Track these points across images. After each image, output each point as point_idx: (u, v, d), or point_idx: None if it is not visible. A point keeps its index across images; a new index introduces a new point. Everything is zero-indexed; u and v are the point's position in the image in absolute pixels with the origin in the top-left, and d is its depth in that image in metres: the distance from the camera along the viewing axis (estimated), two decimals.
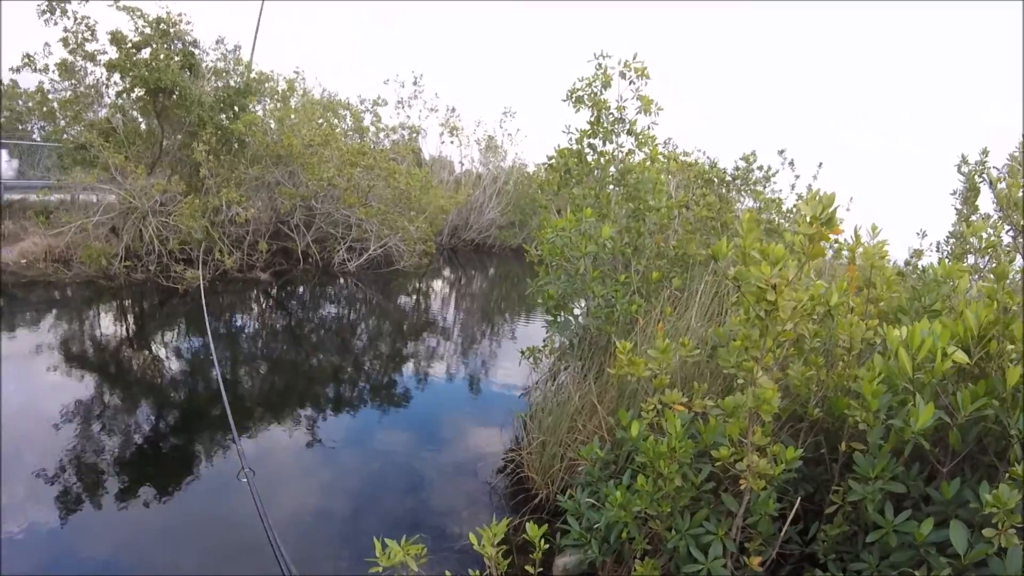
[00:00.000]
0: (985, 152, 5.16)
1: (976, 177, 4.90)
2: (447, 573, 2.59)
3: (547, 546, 2.97)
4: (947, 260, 4.52)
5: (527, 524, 2.95)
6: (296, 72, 18.93)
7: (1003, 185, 3.25)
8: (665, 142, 11.07)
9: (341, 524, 4.50)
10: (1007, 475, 2.28)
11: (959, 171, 5.11)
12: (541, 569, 3.05)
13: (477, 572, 2.73)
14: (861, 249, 3.27)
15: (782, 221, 6.50)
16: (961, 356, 2.54)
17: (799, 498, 2.88)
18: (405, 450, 5.88)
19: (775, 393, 2.49)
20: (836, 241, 2.63)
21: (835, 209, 2.29)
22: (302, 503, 4.77)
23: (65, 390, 6.35)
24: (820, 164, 10.67)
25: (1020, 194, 2.84)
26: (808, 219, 2.29)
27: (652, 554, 3.20)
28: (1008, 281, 2.88)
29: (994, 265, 3.19)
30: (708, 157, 9.55)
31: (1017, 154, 3.92)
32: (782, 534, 2.85)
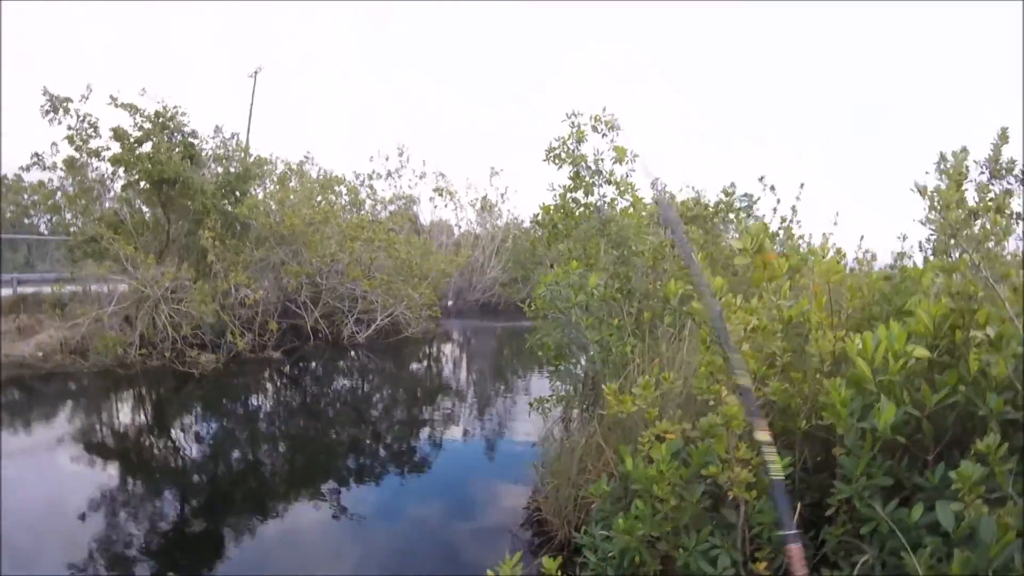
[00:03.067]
0: (964, 151, 5.33)
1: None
2: None
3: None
4: (931, 258, 4.74)
5: (544, 559, 3.15)
6: (306, 156, 19.56)
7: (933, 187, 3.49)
8: (653, 183, 11.38)
9: None
10: (972, 452, 2.46)
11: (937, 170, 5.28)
12: None
13: None
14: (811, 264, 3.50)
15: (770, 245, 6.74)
16: (921, 351, 2.73)
17: (799, 504, 3.06)
18: (428, 513, 6.05)
19: (740, 408, 2.72)
20: (784, 260, 2.85)
21: (763, 238, 2.55)
22: (334, 568, 4.94)
23: (88, 480, 6.49)
24: (802, 185, 10.93)
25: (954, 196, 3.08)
26: (740, 250, 2.56)
27: (664, 574, 3.38)
28: (963, 273, 3.10)
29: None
30: (694, 190, 9.85)
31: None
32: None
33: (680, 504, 3.19)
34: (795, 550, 2.00)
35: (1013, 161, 4.63)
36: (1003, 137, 4.42)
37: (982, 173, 4.71)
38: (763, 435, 2.11)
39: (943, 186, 3.77)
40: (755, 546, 3.13)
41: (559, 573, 3.06)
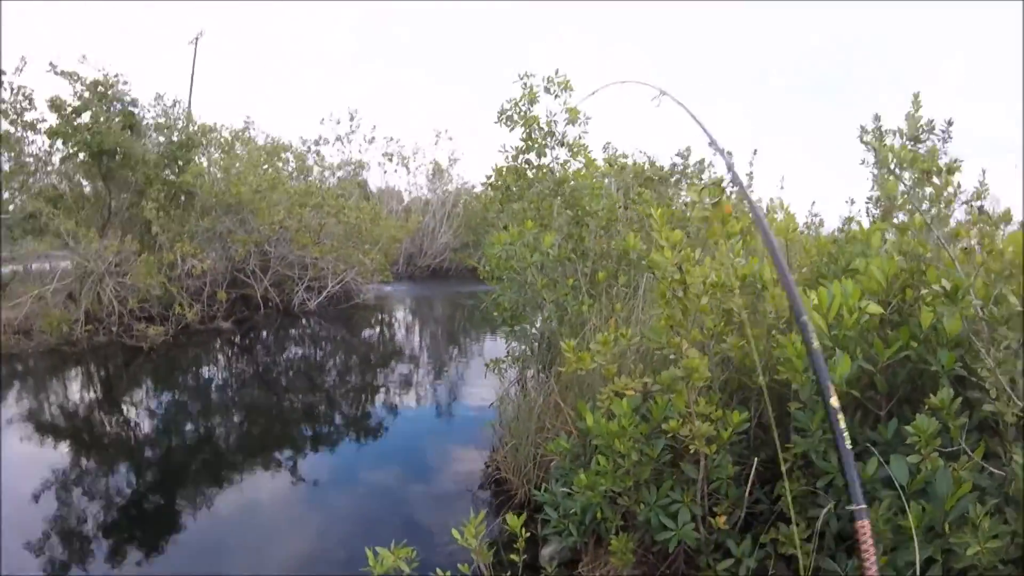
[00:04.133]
0: (877, 118, 5.50)
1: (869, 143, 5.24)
2: (437, 570, 2.79)
3: (528, 535, 3.21)
4: (877, 221, 4.85)
5: (507, 517, 3.19)
6: (246, 122, 19.03)
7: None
8: (605, 146, 11.46)
9: (334, 549, 4.68)
10: (926, 407, 2.53)
11: (861, 140, 5.41)
12: (525, 557, 3.29)
13: (466, 566, 2.96)
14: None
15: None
16: (874, 307, 2.80)
17: (755, 460, 3.14)
18: (387, 476, 6.05)
19: (702, 361, 2.76)
20: (736, 219, 2.88)
21: (719, 193, 2.58)
22: (294, 539, 4.92)
23: (39, 461, 6.33)
24: (755, 151, 11.11)
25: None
26: (698, 204, 2.58)
27: (626, 529, 3.45)
28: (914, 232, 3.19)
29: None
30: (647, 156, 9.94)
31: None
32: (745, 495, 3.12)
33: (641, 459, 3.24)
34: (864, 525, 2.01)
35: (932, 122, 4.79)
36: (916, 103, 4.54)
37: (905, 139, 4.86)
38: (835, 401, 2.12)
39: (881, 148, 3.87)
40: (714, 500, 3.20)
41: (522, 531, 3.10)
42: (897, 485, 2.45)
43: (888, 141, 4.98)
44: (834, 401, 2.16)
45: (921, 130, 4.86)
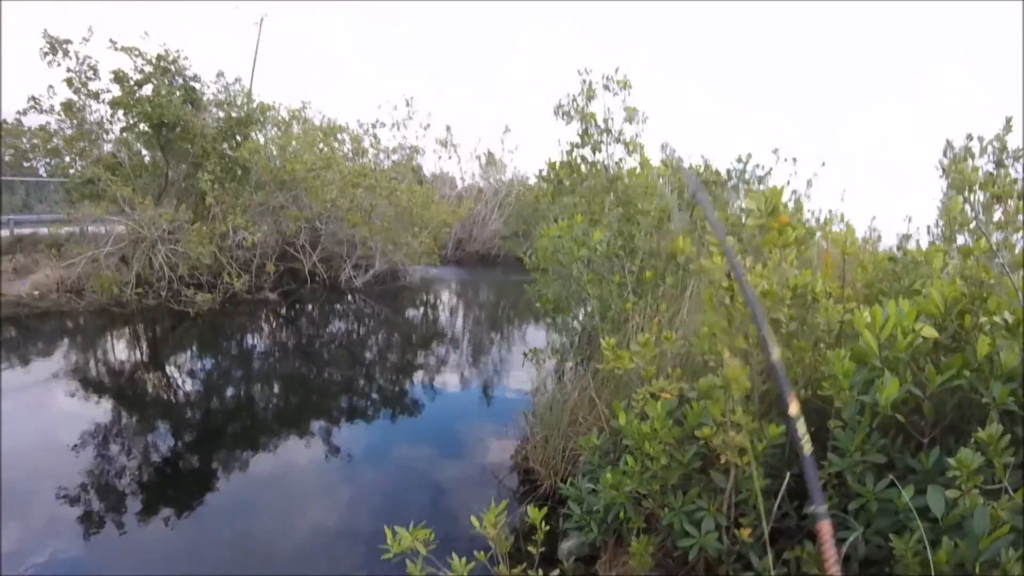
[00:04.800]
0: (970, 137, 5.30)
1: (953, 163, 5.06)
2: (453, 555, 2.77)
3: (549, 528, 3.18)
4: (937, 242, 4.70)
5: (528, 508, 3.16)
6: (303, 104, 19.23)
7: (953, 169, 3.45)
8: (663, 147, 11.30)
9: (358, 523, 4.72)
10: (972, 439, 2.42)
11: (944, 155, 5.23)
12: (543, 550, 3.26)
13: (483, 553, 2.94)
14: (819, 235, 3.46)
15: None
16: (929, 331, 2.68)
17: (788, 474, 3.05)
18: (418, 456, 6.10)
19: (743, 372, 2.68)
20: (793, 228, 2.79)
21: (778, 201, 2.49)
22: (322, 509, 4.99)
23: (83, 416, 6.52)
24: (823, 163, 10.84)
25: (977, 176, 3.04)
26: (755, 211, 2.50)
27: (648, 532, 3.39)
28: (977, 257, 3.06)
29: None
30: (704, 159, 9.77)
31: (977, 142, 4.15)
32: (774, 509, 3.03)
33: (670, 463, 3.18)
34: (824, 527, 1.96)
35: (1021, 150, 4.58)
36: (1007, 127, 4.36)
37: (989, 161, 4.67)
38: (794, 409, 2.06)
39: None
40: (740, 511, 3.12)
41: (542, 524, 3.07)
42: (932, 517, 2.36)
43: (971, 162, 4.81)
44: (794, 409, 2.09)
45: (1007, 155, 4.68)
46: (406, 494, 5.24)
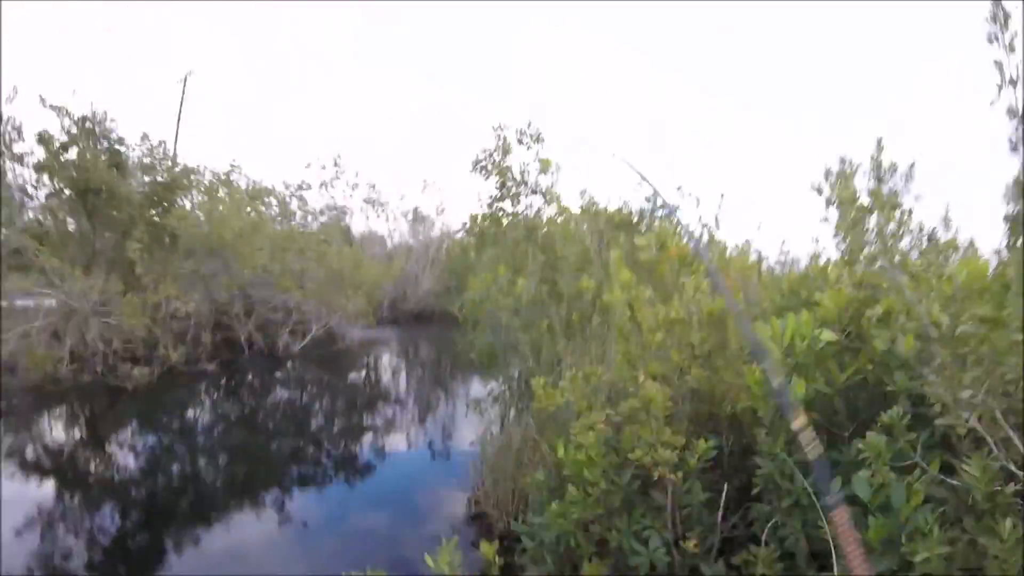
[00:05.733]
0: (844, 160, 5.68)
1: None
2: None
3: (506, 563, 3.32)
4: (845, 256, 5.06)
5: (482, 543, 3.30)
6: (231, 166, 19.24)
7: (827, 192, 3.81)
8: (581, 193, 11.68)
9: None
10: (878, 424, 2.69)
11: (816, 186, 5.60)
12: None
13: None
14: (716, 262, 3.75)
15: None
16: (827, 335, 2.98)
17: (726, 486, 3.27)
18: (372, 517, 6.16)
19: (660, 392, 2.92)
20: (686, 260, 3.07)
21: (665, 239, 2.76)
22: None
23: (24, 499, 6.37)
24: (722, 195, 11.36)
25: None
26: (647, 247, 2.76)
27: (600, 555, 3.56)
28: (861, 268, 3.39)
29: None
30: (623, 201, 10.14)
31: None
32: (719, 520, 3.25)
33: (611, 488, 3.38)
34: (840, 513, 2.03)
35: (895, 164, 5.04)
36: (879, 147, 4.79)
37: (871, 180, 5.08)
38: (800, 422, 2.22)
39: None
40: (687, 526, 3.32)
41: (495, 558, 3.21)
42: (862, 502, 2.59)
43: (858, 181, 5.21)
44: (799, 422, 2.25)
45: (884, 171, 5.09)
46: (364, 553, 5.30)
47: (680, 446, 3.08)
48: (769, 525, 2.98)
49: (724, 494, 3.22)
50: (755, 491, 3.16)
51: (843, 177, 3.62)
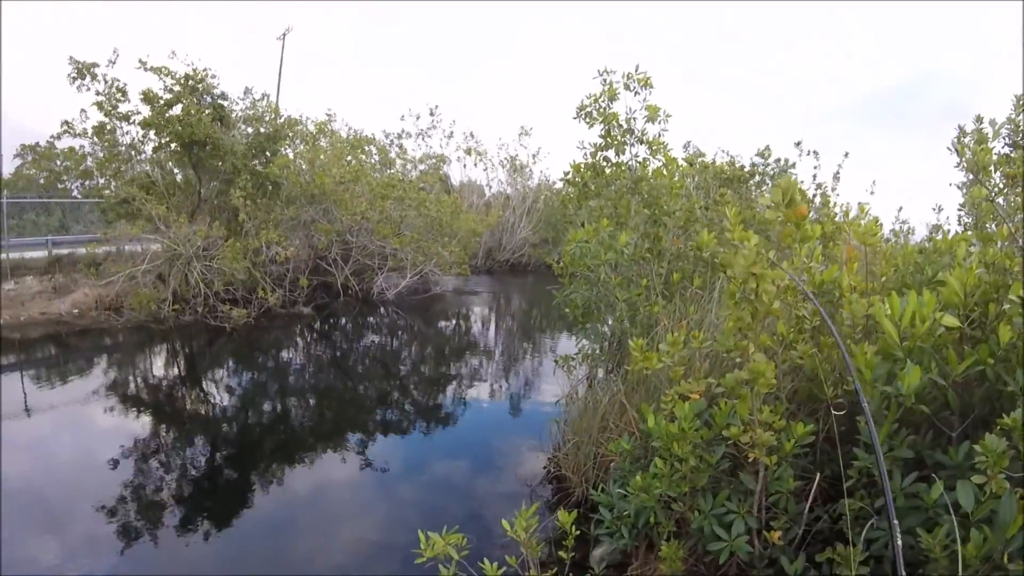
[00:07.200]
0: (979, 119, 5.12)
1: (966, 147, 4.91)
2: (484, 560, 2.79)
3: (580, 534, 3.18)
4: (967, 230, 4.60)
5: (559, 512, 3.17)
6: (328, 114, 19.51)
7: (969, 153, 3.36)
8: (685, 145, 11.21)
9: (394, 533, 4.77)
10: (997, 426, 2.36)
11: (960, 142, 5.09)
12: (575, 556, 3.26)
13: (514, 558, 2.95)
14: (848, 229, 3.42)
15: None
16: (950, 320, 2.64)
17: (818, 475, 3.01)
18: (451, 467, 6.14)
19: (769, 366, 2.66)
20: (814, 223, 2.76)
21: (794, 193, 2.47)
22: (358, 520, 5.05)
23: (121, 432, 6.64)
24: (846, 154, 10.76)
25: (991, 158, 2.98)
26: (772, 204, 2.49)
27: (679, 536, 3.37)
28: (1001, 243, 3.00)
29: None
30: (728, 154, 9.70)
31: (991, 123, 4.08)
32: (805, 511, 3.00)
33: (699, 465, 3.16)
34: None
35: None
36: (1019, 107, 4.27)
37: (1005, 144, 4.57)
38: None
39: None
40: (771, 514, 3.09)
41: (573, 528, 3.07)
42: (963, 513, 2.30)
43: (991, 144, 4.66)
44: None
45: (1021, 136, 4.57)
46: (440, 505, 5.27)
47: (779, 428, 2.84)
48: (868, 525, 2.70)
49: (815, 484, 2.96)
50: (847, 484, 2.88)
51: (980, 139, 3.25)
